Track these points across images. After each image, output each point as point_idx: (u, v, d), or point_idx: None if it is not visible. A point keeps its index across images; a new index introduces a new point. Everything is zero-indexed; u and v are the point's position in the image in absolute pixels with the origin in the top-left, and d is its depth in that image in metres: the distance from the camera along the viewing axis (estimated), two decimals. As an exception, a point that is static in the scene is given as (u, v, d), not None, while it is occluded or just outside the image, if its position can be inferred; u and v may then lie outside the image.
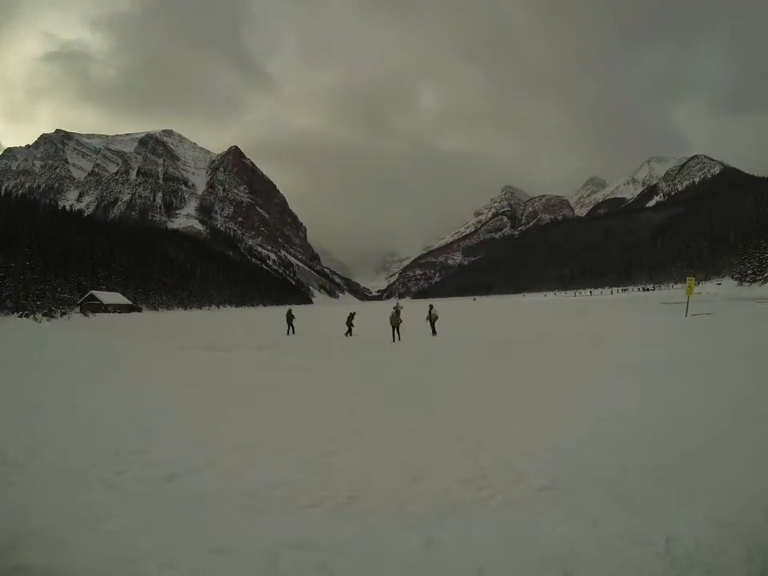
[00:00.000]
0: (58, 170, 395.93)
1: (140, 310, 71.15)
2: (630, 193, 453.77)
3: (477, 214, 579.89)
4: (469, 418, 5.38)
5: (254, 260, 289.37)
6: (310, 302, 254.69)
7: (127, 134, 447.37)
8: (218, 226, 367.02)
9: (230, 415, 5.87)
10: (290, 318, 20.34)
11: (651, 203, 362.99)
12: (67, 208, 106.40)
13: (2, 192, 78.19)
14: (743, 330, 13.69)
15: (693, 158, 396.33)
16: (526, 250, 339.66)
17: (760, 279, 51.02)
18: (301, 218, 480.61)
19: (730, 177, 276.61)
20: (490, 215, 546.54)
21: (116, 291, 70.50)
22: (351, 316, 19.00)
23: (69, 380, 8.74)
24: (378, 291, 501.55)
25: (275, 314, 61.93)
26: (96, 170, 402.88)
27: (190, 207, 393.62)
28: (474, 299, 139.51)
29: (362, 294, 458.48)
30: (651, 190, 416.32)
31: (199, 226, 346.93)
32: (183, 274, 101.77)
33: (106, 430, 5.16)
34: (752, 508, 2.64)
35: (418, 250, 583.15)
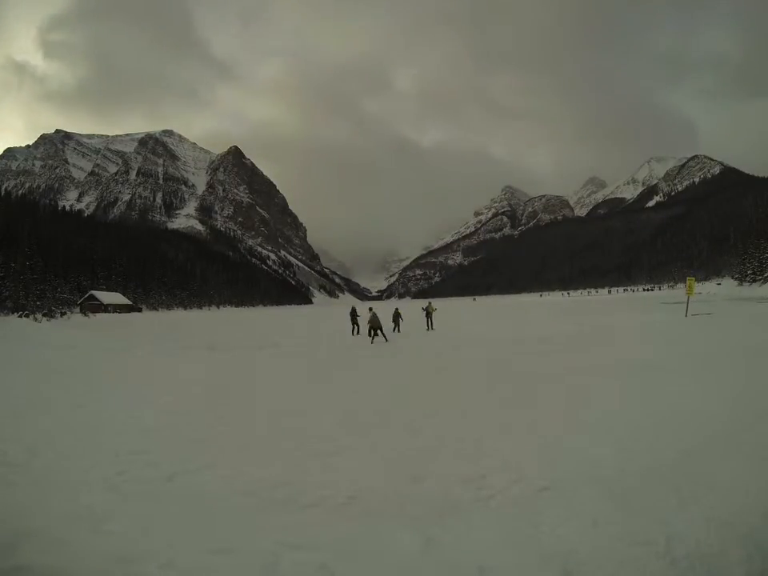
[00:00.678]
0: (57, 170, 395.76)
1: (140, 310, 71.14)
2: (630, 193, 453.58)
3: (477, 214, 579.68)
4: (469, 418, 5.38)
5: (253, 260, 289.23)
6: (309, 302, 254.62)
7: (127, 134, 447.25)
8: (218, 226, 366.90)
9: (229, 415, 5.87)
10: (354, 316, 18.70)
11: (651, 203, 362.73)
12: (67, 208, 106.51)
13: (2, 192, 78.12)
14: (743, 329, 13.68)
15: (693, 158, 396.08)
16: (526, 250, 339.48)
17: (760, 279, 51.01)
18: (301, 218, 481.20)
19: (730, 177, 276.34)
20: (489, 215, 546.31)
21: (116, 291, 70.50)
22: (354, 311, 18.74)
23: (69, 380, 8.74)
24: (378, 291, 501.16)
25: (275, 314, 62.11)
26: (96, 170, 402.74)
27: (190, 207, 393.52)
28: (474, 299, 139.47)
29: (362, 293, 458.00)
30: (651, 190, 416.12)
31: (199, 226, 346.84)
32: (183, 274, 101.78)
33: (107, 429, 5.16)
34: (751, 508, 2.65)
35: (418, 249, 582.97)
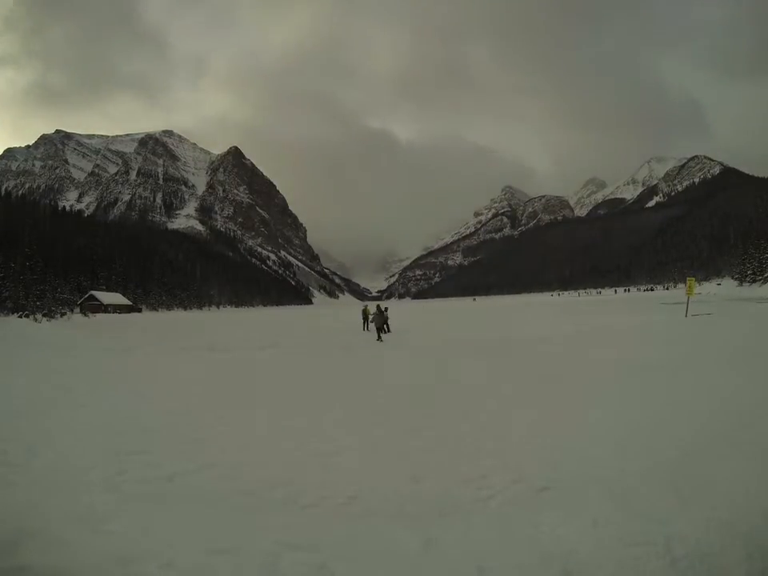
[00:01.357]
0: (57, 171, 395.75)
1: (140, 311, 71.12)
2: (630, 193, 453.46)
3: (477, 214, 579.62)
4: (469, 417, 5.38)
5: (253, 260, 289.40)
6: (309, 302, 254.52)
7: (127, 134, 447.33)
8: (218, 226, 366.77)
9: (229, 415, 5.86)
10: (366, 315, 18.80)
11: (651, 203, 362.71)
12: (67, 208, 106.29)
13: (2, 192, 78.15)
14: (743, 330, 13.68)
15: (693, 158, 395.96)
16: (526, 251, 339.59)
17: (760, 279, 51.01)
18: (301, 219, 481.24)
19: (730, 177, 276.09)
20: (489, 216, 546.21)
21: (116, 291, 70.44)
22: (366, 311, 18.75)
23: (69, 380, 8.73)
24: (378, 291, 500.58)
25: (275, 314, 62.09)
26: (96, 170, 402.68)
27: (190, 207, 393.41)
28: (474, 299, 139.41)
29: (361, 294, 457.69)
30: (651, 191, 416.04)
31: (199, 227, 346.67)
32: (183, 274, 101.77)
33: (107, 430, 5.16)
34: (752, 508, 2.65)
35: (417, 250, 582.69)
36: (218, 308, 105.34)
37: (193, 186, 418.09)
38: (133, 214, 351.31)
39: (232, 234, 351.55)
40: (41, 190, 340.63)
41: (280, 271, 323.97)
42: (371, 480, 3.63)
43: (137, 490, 3.44)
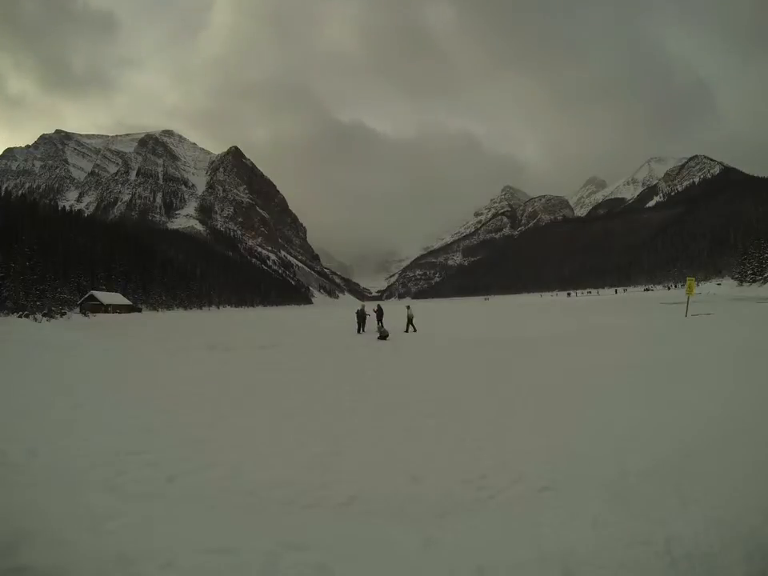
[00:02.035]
0: (57, 171, 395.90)
1: (140, 311, 71.13)
2: (630, 193, 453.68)
3: (477, 214, 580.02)
4: (469, 417, 5.38)
5: (253, 260, 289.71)
6: (309, 302, 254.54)
7: (127, 134, 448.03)
8: (218, 226, 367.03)
9: (229, 415, 5.86)
10: (362, 317, 18.59)
11: (651, 203, 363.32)
12: (67, 208, 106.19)
13: (2, 192, 78.09)
14: (743, 330, 13.68)
15: (693, 158, 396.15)
16: (526, 251, 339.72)
17: (760, 279, 51.04)
18: (301, 219, 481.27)
19: (730, 177, 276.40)
20: (489, 215, 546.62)
21: (116, 291, 70.47)
22: (362, 312, 18.73)
23: (69, 380, 8.73)
24: (378, 291, 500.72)
25: (275, 314, 62.12)
26: (96, 170, 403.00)
27: (190, 207, 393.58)
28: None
29: (361, 294, 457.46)
30: (651, 191, 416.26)
31: (199, 227, 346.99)
32: (183, 274, 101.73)
33: (106, 429, 5.16)
34: (752, 508, 2.64)
35: (418, 250, 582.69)
36: (218, 308, 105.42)
37: (193, 185, 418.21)
38: (133, 213, 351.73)
39: (232, 233, 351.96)
40: (41, 190, 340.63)
41: (280, 271, 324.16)
42: (371, 480, 3.62)
43: (137, 490, 3.44)
